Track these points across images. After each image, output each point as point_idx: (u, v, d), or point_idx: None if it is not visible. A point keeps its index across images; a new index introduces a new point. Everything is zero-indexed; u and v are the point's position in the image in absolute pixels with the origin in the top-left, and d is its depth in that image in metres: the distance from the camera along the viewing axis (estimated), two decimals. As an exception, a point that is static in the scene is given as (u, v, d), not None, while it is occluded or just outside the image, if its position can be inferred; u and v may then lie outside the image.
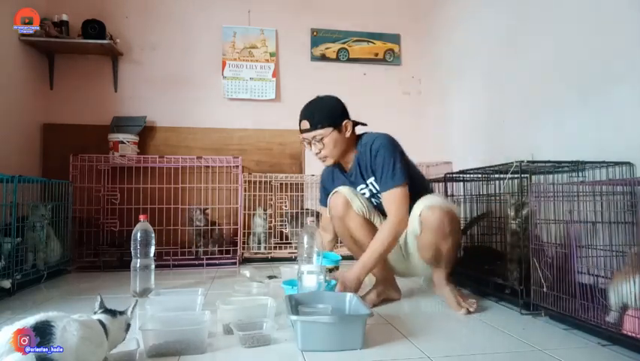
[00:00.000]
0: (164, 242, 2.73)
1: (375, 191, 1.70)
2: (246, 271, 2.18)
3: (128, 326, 1.06)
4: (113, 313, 1.06)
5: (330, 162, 1.72)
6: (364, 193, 1.74)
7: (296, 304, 1.35)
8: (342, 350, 1.18)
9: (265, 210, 2.90)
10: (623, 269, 1.26)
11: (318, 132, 1.64)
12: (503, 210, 2.04)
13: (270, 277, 2.14)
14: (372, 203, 1.74)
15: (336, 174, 1.81)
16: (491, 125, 2.47)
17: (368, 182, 1.71)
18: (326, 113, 1.66)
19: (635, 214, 1.37)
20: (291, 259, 2.69)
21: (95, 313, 1.06)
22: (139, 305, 1.14)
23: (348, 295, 1.42)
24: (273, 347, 1.23)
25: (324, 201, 1.83)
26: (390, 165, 1.60)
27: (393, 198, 1.60)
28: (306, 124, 1.66)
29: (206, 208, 2.75)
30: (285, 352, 1.19)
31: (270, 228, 2.90)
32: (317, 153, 1.69)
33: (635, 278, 1.17)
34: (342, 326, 1.20)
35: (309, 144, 1.69)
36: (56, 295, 1.93)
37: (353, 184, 1.74)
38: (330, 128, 1.65)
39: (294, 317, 1.19)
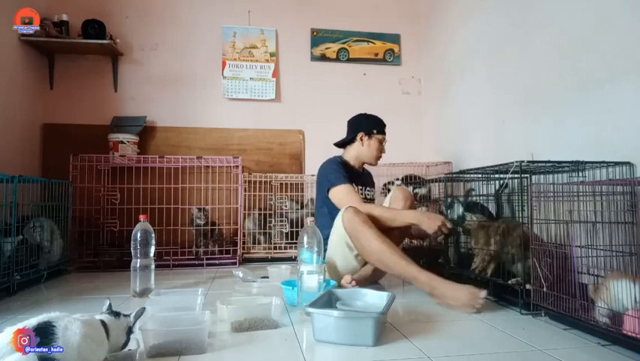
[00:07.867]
0: (164, 242, 2.73)
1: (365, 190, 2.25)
2: (239, 272, 2.20)
3: (130, 329, 1.06)
4: (116, 314, 1.06)
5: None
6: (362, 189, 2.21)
7: (335, 300, 1.47)
8: (353, 345, 1.20)
9: (262, 209, 2.90)
10: (610, 274, 1.27)
11: None
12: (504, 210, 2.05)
13: (263, 278, 2.18)
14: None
15: (353, 169, 2.22)
16: (491, 125, 2.46)
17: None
18: None
19: (635, 214, 1.37)
20: (292, 259, 2.69)
21: (101, 313, 1.05)
22: (139, 306, 1.13)
23: (386, 294, 1.44)
24: (273, 344, 1.23)
25: (348, 180, 2.06)
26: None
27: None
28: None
29: (205, 207, 2.75)
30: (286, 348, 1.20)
31: (270, 228, 2.90)
32: (383, 153, 2.23)
33: (634, 282, 1.17)
34: (349, 322, 1.24)
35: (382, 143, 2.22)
36: (56, 295, 1.93)
37: (361, 181, 2.21)
38: None
39: (310, 309, 1.25)
